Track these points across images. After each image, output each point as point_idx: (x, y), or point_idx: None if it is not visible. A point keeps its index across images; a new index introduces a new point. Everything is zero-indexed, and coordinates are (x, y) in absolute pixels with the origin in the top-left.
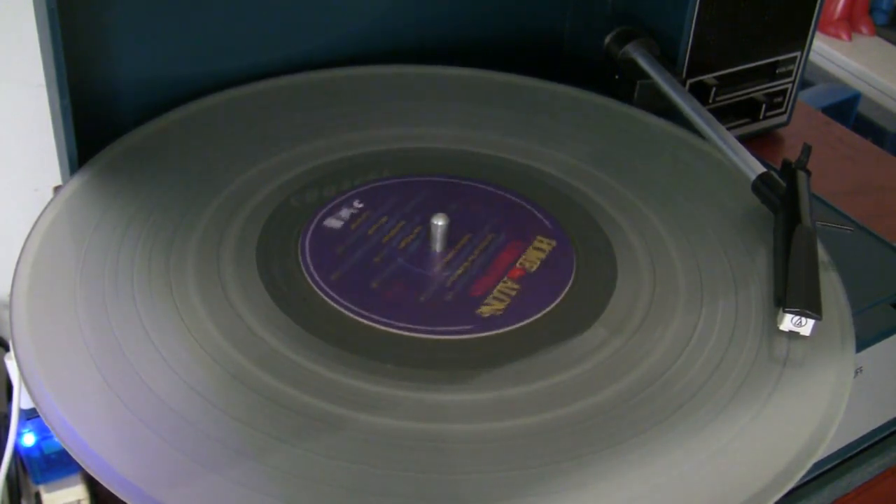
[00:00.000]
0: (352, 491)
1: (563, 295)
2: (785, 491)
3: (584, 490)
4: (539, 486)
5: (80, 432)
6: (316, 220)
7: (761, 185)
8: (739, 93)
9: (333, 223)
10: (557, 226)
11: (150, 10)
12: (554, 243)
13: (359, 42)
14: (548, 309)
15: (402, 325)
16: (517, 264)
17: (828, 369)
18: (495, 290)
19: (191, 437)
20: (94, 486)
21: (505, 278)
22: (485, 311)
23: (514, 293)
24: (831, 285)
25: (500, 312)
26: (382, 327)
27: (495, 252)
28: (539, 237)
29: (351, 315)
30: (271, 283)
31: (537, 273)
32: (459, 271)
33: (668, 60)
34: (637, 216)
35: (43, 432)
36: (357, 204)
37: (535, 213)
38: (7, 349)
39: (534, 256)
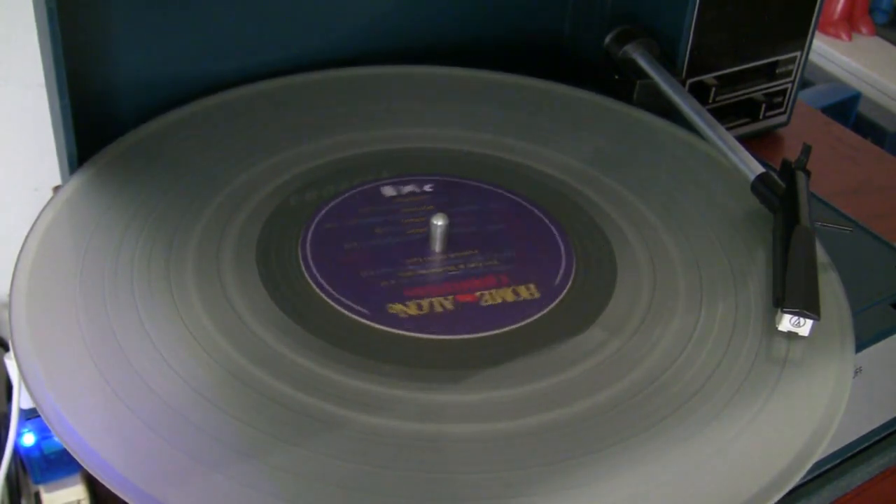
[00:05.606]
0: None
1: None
2: (785, 491)
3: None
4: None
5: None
6: (372, 185)
7: (761, 186)
8: (739, 93)
9: (389, 191)
10: (567, 276)
11: (149, 11)
12: (538, 296)
13: (359, 42)
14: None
15: (322, 284)
16: (477, 293)
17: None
18: (426, 300)
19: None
20: (94, 486)
21: (449, 295)
22: (395, 308)
23: (440, 310)
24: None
25: (406, 317)
26: (314, 287)
27: (478, 274)
28: (529, 284)
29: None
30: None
31: (487, 308)
32: (424, 272)
33: (668, 60)
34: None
35: (43, 432)
36: (426, 188)
37: (563, 257)
38: (7, 349)
39: (499, 296)
